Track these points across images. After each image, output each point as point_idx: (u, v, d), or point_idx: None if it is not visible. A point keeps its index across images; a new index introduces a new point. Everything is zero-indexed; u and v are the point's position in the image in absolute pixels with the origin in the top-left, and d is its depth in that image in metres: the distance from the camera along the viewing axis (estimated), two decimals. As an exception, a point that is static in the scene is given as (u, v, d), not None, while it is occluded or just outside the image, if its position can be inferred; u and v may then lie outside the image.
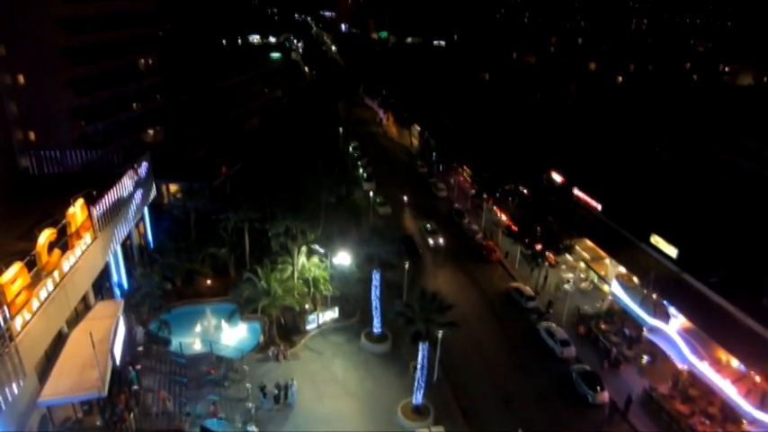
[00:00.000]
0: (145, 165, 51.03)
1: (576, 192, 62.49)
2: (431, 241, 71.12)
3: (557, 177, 66.65)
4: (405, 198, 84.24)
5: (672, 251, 49.70)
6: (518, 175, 68.91)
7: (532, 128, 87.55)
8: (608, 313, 54.05)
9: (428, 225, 74.28)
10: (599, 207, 60.51)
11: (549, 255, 57.84)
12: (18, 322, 27.57)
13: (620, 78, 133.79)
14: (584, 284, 60.32)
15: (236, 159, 77.28)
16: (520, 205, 65.73)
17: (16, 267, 27.58)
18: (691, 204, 56.24)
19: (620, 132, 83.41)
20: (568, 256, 61.07)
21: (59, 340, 34.41)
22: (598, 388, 44.06)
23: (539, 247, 57.54)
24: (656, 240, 51.13)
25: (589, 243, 61.20)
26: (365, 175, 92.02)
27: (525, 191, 67.35)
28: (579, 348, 50.11)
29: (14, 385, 26.96)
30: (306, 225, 54.24)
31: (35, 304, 29.54)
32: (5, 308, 26.40)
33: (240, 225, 55.62)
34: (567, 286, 57.80)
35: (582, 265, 61.57)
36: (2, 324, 26.06)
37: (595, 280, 60.32)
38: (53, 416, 32.70)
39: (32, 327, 28.98)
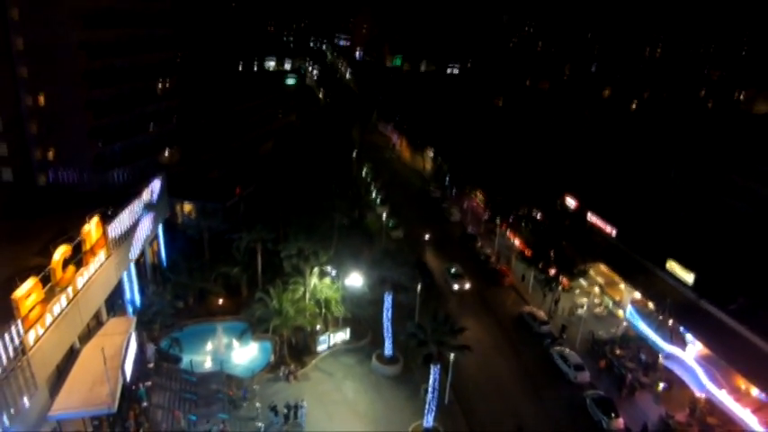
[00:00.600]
0: (159, 184, 51.53)
1: (591, 217, 62.17)
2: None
3: (570, 202, 66.45)
4: (418, 222, 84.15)
5: (689, 277, 49.05)
6: (531, 200, 68.80)
7: (546, 153, 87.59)
8: (623, 339, 53.32)
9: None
10: (613, 232, 60.09)
11: (563, 279, 57.37)
12: (31, 336, 27.68)
13: (635, 105, 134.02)
14: (598, 309, 59.62)
15: (250, 181, 77.88)
16: (533, 230, 65.52)
17: (31, 282, 27.82)
18: (708, 230, 55.66)
19: (634, 158, 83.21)
20: (582, 281, 60.51)
21: (71, 355, 34.54)
22: (612, 414, 43.16)
23: (552, 271, 57.13)
24: (672, 266, 50.53)
25: (603, 268, 60.67)
26: (378, 199, 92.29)
27: (539, 215, 67.17)
28: (593, 374, 49.35)
29: (26, 398, 26.99)
30: (318, 246, 54.25)
31: (48, 319, 29.71)
32: (19, 322, 26.52)
33: (253, 245, 55.87)
34: (580, 311, 57.15)
35: (596, 289, 60.95)
36: (15, 338, 26.12)
37: (610, 305, 59.62)
38: (63, 429, 32.61)
39: (45, 341, 29.12)
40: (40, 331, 28.81)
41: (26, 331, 27.15)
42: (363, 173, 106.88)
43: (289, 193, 65.28)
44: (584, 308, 57.86)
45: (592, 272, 60.09)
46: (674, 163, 76.40)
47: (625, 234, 58.69)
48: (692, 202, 66.10)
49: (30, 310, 27.65)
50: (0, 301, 26.85)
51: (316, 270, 51.37)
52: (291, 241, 53.57)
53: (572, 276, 57.18)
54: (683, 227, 56.03)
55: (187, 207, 71.60)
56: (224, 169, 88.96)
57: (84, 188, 48.55)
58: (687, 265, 49.71)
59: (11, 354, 25.68)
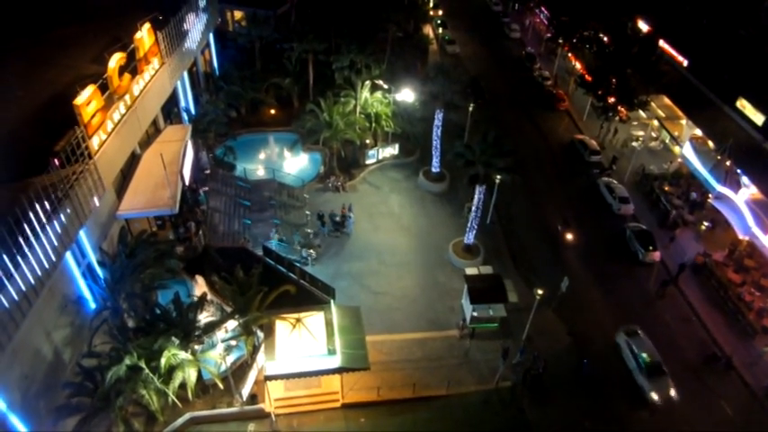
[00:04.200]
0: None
1: (662, 44, 57.35)
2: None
3: (643, 26, 60.96)
4: (476, 37, 80.00)
5: (758, 118, 46.08)
6: (600, 21, 63.35)
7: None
8: (674, 175, 52.41)
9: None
10: (685, 63, 55.69)
11: (622, 109, 54.97)
12: (95, 142, 28.98)
13: None
14: (653, 143, 57.89)
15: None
16: (597, 54, 61.28)
17: (90, 89, 28.25)
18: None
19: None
20: (642, 113, 57.94)
21: (133, 160, 36.23)
22: (650, 247, 44.08)
23: (612, 100, 54.59)
24: (743, 104, 47.24)
25: (667, 101, 57.52)
26: (436, 10, 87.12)
27: (605, 38, 62.31)
28: (638, 207, 49.51)
29: (96, 198, 29.06)
30: (371, 59, 52.66)
31: (109, 125, 30.75)
32: (83, 128, 27.60)
33: (304, 56, 54.64)
34: (635, 143, 55.60)
35: (655, 123, 58.54)
36: (81, 143, 27.41)
37: (667, 140, 57.68)
38: (130, 228, 35.64)
39: (108, 146, 30.38)
40: (103, 137, 29.99)
41: (90, 137, 28.28)
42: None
43: (342, 2, 61.93)
44: (640, 141, 56.23)
45: (653, 104, 57.12)
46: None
47: (698, 66, 54.30)
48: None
49: (91, 117, 28.53)
50: (63, 108, 27.74)
51: (367, 83, 50.51)
52: (344, 53, 52.00)
53: (632, 107, 54.60)
54: (762, 64, 51.29)
55: (237, 14, 69.13)
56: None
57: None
58: (759, 105, 46.41)
59: (78, 157, 27.13)
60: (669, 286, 41.91)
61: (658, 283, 42.15)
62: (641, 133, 58.22)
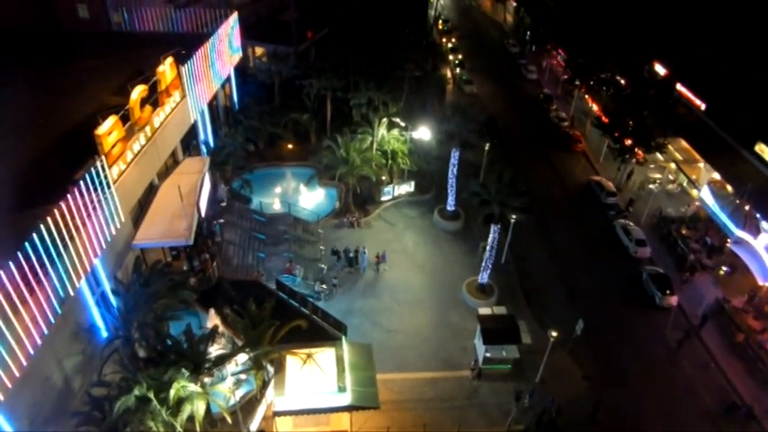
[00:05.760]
0: (231, 25, 50.43)
1: (680, 87, 57.62)
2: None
3: (660, 69, 61.39)
4: (493, 77, 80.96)
5: (777, 162, 45.89)
6: (617, 63, 63.91)
7: (639, 11, 79.28)
8: (692, 219, 51.91)
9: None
10: (703, 106, 55.80)
11: (639, 151, 54.93)
12: (114, 171, 29.38)
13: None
14: (671, 186, 57.56)
15: (322, 24, 75.25)
16: (614, 96, 61.71)
17: (112, 120, 28.82)
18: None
19: (739, 27, 74.19)
20: (659, 155, 57.82)
21: (151, 191, 36.64)
22: (668, 291, 43.42)
23: (628, 141, 54.61)
24: (762, 149, 47.08)
25: (684, 144, 57.45)
26: (453, 51, 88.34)
27: (622, 81, 62.77)
28: (655, 251, 48.93)
29: (113, 227, 29.31)
30: (388, 97, 53.39)
31: (129, 156, 31.23)
32: (103, 157, 28.03)
33: (323, 92, 55.58)
34: (652, 186, 55.32)
35: (672, 165, 58.35)
36: (101, 172, 27.78)
37: (684, 183, 57.35)
38: (146, 257, 35.79)
39: (127, 176, 30.81)
40: (122, 167, 30.45)
41: (110, 166, 28.74)
42: (439, 23, 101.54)
43: (361, 41, 63.23)
44: (657, 183, 55.92)
45: (670, 146, 57.05)
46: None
47: (715, 109, 54.38)
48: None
49: (112, 147, 29.02)
50: (84, 138, 28.25)
51: (384, 120, 51.07)
52: (362, 90, 52.83)
53: (649, 149, 54.58)
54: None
55: (258, 50, 70.70)
56: (297, 11, 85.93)
57: (157, 27, 48.10)
58: (779, 149, 46.26)
59: (97, 186, 27.47)
60: (690, 338, 41.07)
61: (677, 328, 41.31)
62: (658, 175, 57.97)
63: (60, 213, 24.31)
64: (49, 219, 23.50)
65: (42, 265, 23.00)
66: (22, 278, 21.73)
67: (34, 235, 22.56)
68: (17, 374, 21.94)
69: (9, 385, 21.49)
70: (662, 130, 53.60)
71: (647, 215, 52.49)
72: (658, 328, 42.05)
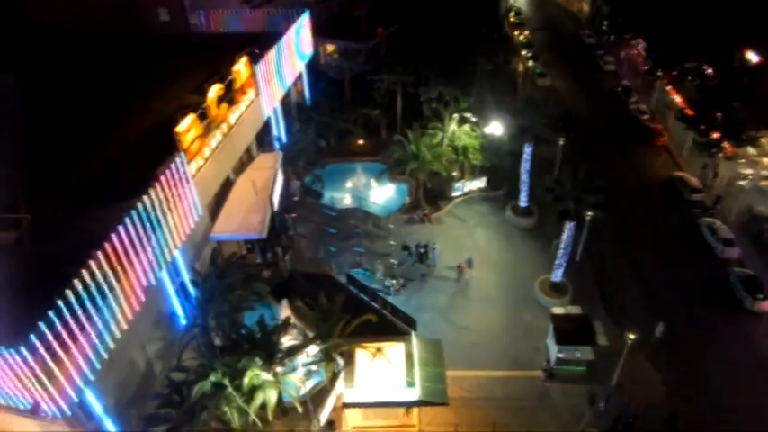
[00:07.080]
0: (303, 23, 51.22)
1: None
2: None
3: (752, 57, 57.54)
4: (568, 70, 78.54)
5: None
6: (703, 52, 60.31)
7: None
8: (787, 217, 48.41)
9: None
10: (801, 96, 51.95)
11: (727, 145, 51.70)
12: (193, 167, 30.58)
13: None
14: (764, 183, 53.79)
15: (392, 20, 75.37)
16: (700, 87, 58.32)
17: (190, 118, 30.03)
18: None
19: None
20: (750, 150, 54.21)
21: (227, 186, 37.89)
22: (759, 295, 40.63)
23: (716, 135, 51.53)
24: None
25: (779, 137, 53.76)
26: (526, 44, 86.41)
27: (709, 70, 59.28)
28: (744, 251, 46.02)
29: (191, 220, 30.53)
30: (459, 92, 52.75)
31: (207, 152, 32.40)
32: (183, 154, 29.23)
33: (393, 88, 55.60)
34: (742, 182, 51.93)
35: (766, 160, 54.62)
36: (180, 168, 28.98)
37: (779, 179, 53.54)
38: (222, 250, 37.07)
39: (205, 172, 32.05)
40: (200, 163, 31.65)
41: (188, 162, 29.93)
42: (511, 15, 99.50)
43: (431, 35, 62.82)
44: (748, 179, 52.50)
45: (764, 140, 53.37)
46: None
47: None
48: None
49: (190, 144, 30.23)
50: (165, 135, 29.57)
51: (455, 116, 50.51)
52: (432, 85, 52.49)
53: (739, 143, 51.29)
54: None
55: (330, 47, 71.60)
56: (367, 7, 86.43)
57: (232, 28, 49.67)
58: None
59: (178, 181, 28.70)
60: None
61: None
62: (750, 171, 54.37)
63: (143, 207, 25.60)
64: (133, 212, 24.88)
65: (128, 256, 24.44)
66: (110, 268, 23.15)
67: (120, 228, 23.93)
68: (104, 356, 23.31)
69: (98, 366, 22.88)
70: (754, 123, 50.26)
71: (736, 213, 49.39)
72: (747, 334, 39.40)
